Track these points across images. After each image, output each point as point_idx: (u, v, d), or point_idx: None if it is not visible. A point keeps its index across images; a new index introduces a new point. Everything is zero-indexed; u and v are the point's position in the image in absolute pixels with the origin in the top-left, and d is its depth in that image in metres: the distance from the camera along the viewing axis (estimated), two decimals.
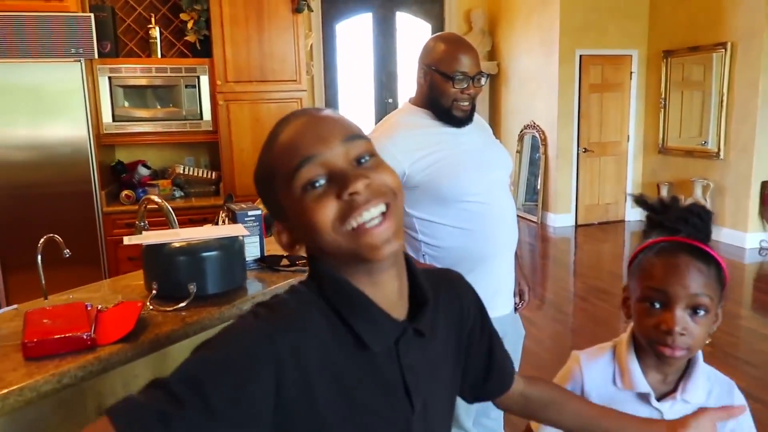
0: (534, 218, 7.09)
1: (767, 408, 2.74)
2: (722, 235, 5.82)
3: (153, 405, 0.58)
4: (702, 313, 0.86)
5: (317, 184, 0.64)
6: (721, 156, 5.82)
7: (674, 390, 0.94)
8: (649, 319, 0.88)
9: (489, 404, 2.07)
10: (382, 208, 0.65)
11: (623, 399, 0.94)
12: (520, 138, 7.26)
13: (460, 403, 1.79)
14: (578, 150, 6.72)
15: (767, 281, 4.95)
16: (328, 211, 0.64)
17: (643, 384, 0.93)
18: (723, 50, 5.67)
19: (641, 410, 0.92)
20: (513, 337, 1.88)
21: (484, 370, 0.86)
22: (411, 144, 1.61)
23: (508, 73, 7.35)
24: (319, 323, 0.67)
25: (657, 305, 0.87)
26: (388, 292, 0.70)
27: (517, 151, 7.30)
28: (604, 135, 6.79)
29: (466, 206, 1.63)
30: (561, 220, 6.82)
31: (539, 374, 3.34)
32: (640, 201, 0.96)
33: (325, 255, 0.67)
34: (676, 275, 0.85)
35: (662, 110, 6.49)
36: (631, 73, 6.71)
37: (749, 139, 5.53)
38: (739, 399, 0.96)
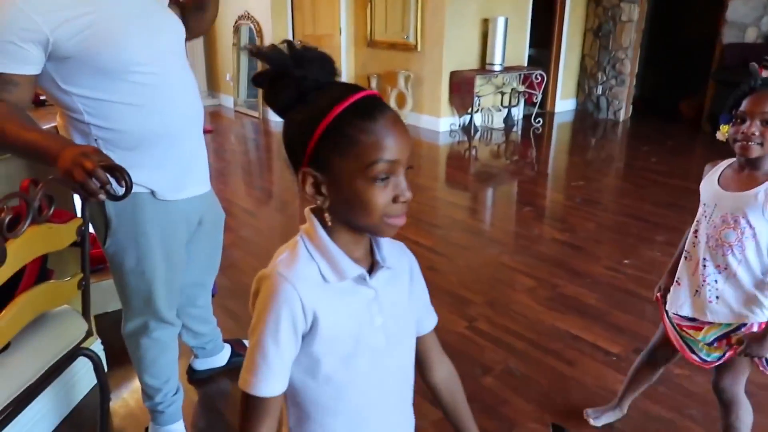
0: (256, 114, 7.00)
1: (448, 260, 3.25)
2: (421, 120, 6.54)
3: None
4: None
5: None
6: (419, 49, 6.39)
7: (373, 261, 0.88)
8: (382, 196, 0.78)
9: (196, 292, 2.02)
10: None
11: (342, 291, 0.84)
12: (236, 30, 6.94)
13: (158, 294, 1.68)
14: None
15: (455, 159, 5.77)
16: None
17: (356, 267, 0.84)
18: None
19: (363, 293, 0.86)
20: (212, 216, 1.83)
21: None
22: (52, 3, 1.33)
23: None
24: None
25: (385, 176, 0.78)
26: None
27: (233, 44, 7.00)
28: (317, 28, 6.88)
29: (136, 78, 1.43)
30: None
31: (259, 263, 3.37)
32: (258, 53, 0.79)
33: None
34: (398, 136, 0.78)
35: (369, 5, 6.79)
36: None
37: (440, 33, 6.15)
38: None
